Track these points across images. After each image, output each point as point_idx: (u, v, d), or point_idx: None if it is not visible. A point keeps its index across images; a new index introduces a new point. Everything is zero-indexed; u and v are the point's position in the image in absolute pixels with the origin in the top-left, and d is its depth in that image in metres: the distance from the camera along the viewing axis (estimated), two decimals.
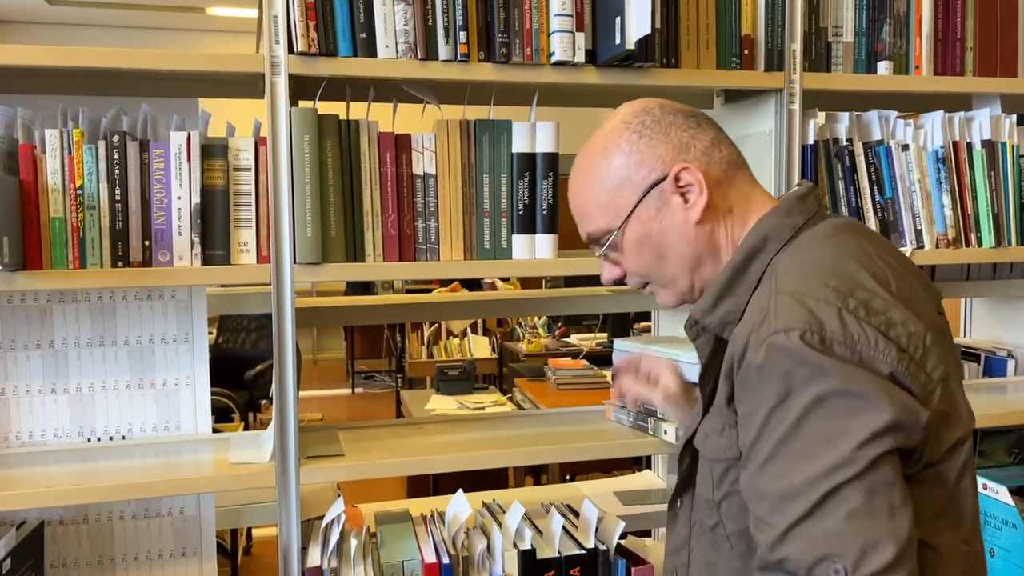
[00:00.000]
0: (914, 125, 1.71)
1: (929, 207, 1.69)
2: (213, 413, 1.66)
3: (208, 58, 1.41)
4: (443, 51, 1.43)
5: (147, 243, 1.39)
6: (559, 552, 1.48)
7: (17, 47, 1.33)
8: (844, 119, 1.68)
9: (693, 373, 1.39)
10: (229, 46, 7.24)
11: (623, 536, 1.53)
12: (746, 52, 1.58)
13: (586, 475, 3.26)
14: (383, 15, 1.41)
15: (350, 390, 7.81)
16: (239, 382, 4.41)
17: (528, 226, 1.52)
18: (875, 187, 1.67)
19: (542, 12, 1.46)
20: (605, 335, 4.88)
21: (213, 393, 1.66)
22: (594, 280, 1.27)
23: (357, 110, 1.49)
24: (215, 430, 1.66)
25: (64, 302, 1.56)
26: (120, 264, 1.38)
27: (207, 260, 1.42)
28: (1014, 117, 1.76)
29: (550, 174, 1.51)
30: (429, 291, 6.45)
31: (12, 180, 1.32)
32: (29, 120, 1.40)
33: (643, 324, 4.40)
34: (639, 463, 2.87)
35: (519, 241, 1.52)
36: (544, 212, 1.51)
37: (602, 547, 1.50)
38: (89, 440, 1.58)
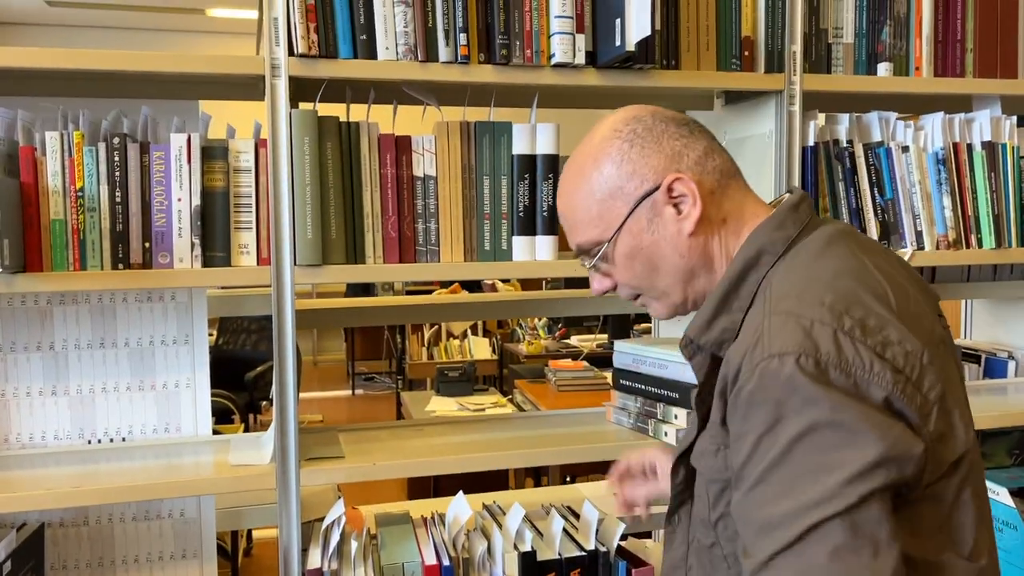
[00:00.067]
0: (914, 126, 1.71)
1: (929, 208, 1.69)
2: (213, 415, 1.66)
3: (208, 60, 1.41)
4: (443, 53, 1.43)
5: (147, 245, 1.39)
6: (559, 554, 1.48)
7: (18, 49, 1.33)
8: (844, 120, 1.68)
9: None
10: (229, 48, 7.26)
11: (623, 538, 1.53)
12: (746, 53, 1.58)
13: (586, 477, 3.25)
14: (383, 17, 1.41)
15: (350, 391, 7.81)
16: (239, 384, 4.41)
17: (528, 228, 1.52)
18: (875, 188, 1.67)
19: (542, 14, 1.46)
20: (605, 336, 4.88)
21: (213, 395, 1.66)
22: None
23: (357, 112, 1.49)
24: (215, 432, 1.66)
25: (64, 304, 1.56)
26: (120, 266, 1.38)
27: (207, 262, 1.42)
28: (1014, 118, 1.76)
29: (550, 176, 1.51)
30: (429, 293, 6.46)
31: (12, 182, 1.32)
32: (29, 122, 1.40)
33: (643, 325, 4.39)
34: None
35: (519, 243, 1.52)
36: (544, 214, 1.51)
37: (602, 549, 1.50)
38: (89, 442, 1.58)
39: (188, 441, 1.61)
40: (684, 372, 1.55)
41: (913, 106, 1.87)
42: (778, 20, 1.59)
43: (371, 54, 1.42)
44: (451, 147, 1.49)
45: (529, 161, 1.51)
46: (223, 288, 1.81)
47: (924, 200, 1.68)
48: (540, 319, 5.51)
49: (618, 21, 1.41)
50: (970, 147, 1.72)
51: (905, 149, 1.69)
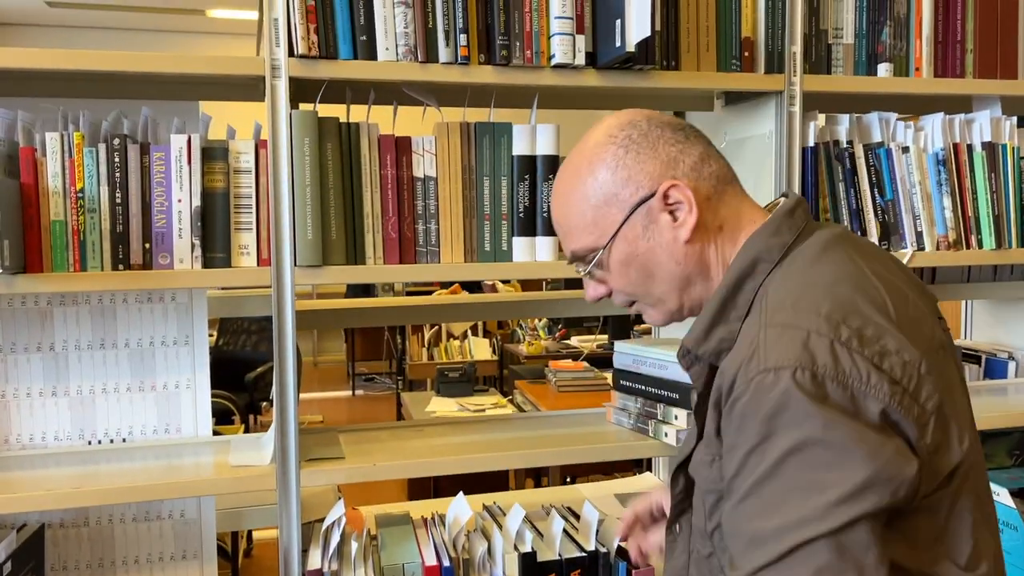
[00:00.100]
0: (914, 127, 1.71)
1: (930, 209, 1.69)
2: (213, 415, 1.66)
3: (208, 61, 1.41)
4: (443, 54, 1.43)
5: (148, 246, 1.39)
6: (560, 554, 1.48)
7: (18, 50, 1.33)
8: (844, 121, 1.68)
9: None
10: (229, 49, 7.26)
11: (624, 538, 1.52)
12: (746, 54, 1.58)
13: (587, 477, 3.25)
14: (383, 18, 1.41)
15: (351, 392, 7.81)
16: (240, 384, 4.41)
17: (528, 228, 1.52)
18: (875, 189, 1.67)
19: (542, 15, 1.46)
20: (606, 337, 4.88)
21: (213, 395, 1.66)
22: None
23: (357, 113, 1.49)
24: (215, 432, 1.66)
25: (65, 305, 1.56)
26: (120, 267, 1.38)
27: (207, 263, 1.42)
28: (1014, 119, 1.76)
29: (550, 176, 1.51)
30: (430, 293, 6.46)
31: (13, 183, 1.32)
32: (30, 123, 1.40)
33: (643, 326, 4.39)
34: (640, 465, 2.87)
35: (519, 243, 1.52)
36: (544, 215, 1.51)
37: (603, 549, 1.50)
38: (89, 443, 1.58)
39: (188, 442, 1.61)
40: (684, 373, 1.55)
41: (913, 107, 1.87)
42: (778, 21, 1.59)
43: (371, 55, 1.42)
44: (451, 148, 1.49)
45: (529, 162, 1.51)
46: (223, 289, 1.81)
47: (924, 201, 1.68)
48: (540, 320, 5.51)
49: (618, 22, 1.41)
50: (970, 148, 1.72)
51: (905, 150, 1.69)
